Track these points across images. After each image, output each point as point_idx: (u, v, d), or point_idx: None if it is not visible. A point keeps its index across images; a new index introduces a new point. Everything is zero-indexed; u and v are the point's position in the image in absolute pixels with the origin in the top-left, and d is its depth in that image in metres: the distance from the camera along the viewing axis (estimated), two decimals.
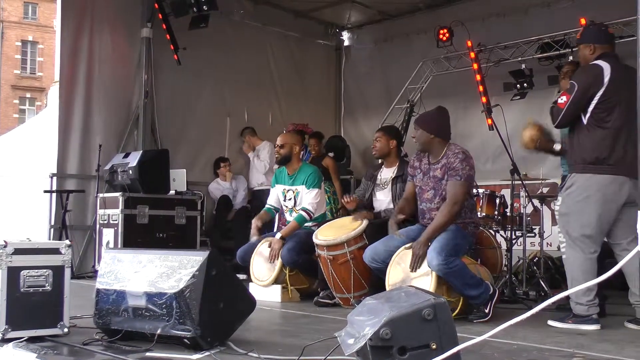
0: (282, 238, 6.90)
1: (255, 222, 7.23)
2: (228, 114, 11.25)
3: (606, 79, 5.15)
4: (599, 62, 5.27)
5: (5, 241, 4.26)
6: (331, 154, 10.41)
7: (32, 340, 4.22)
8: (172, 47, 10.05)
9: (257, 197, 10.47)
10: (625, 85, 5.17)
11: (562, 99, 5.28)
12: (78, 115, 9.60)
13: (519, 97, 9.93)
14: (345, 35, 13.52)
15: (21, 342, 4.15)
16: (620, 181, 5.16)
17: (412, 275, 5.37)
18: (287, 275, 6.83)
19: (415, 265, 5.36)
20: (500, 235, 7.45)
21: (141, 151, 9.22)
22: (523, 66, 9.79)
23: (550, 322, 5.25)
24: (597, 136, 5.19)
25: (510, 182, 7.25)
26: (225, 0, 10.60)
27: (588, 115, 5.21)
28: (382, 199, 6.81)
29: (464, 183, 5.56)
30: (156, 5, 9.95)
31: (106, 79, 9.91)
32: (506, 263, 7.15)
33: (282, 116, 11.86)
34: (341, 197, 8.04)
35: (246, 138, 11.19)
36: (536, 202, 7.74)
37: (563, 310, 5.44)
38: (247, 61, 11.72)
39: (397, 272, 5.49)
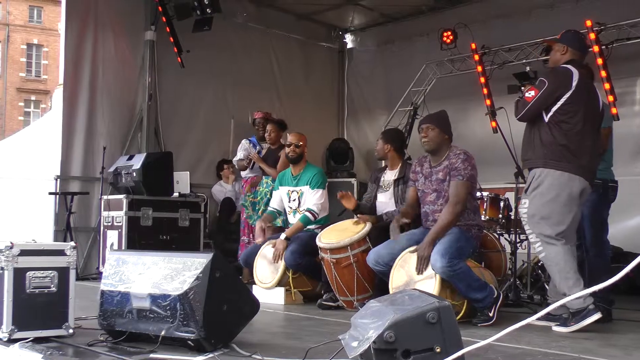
0: (286, 238, 6.92)
1: (259, 224, 7.22)
2: (232, 117, 11.26)
3: (574, 83, 5.25)
4: (569, 66, 5.37)
5: (11, 242, 4.27)
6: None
7: (37, 340, 4.23)
8: (175, 50, 10.07)
9: None
10: (588, 97, 5.34)
11: (530, 93, 5.36)
12: (82, 118, 9.62)
13: None
14: (348, 38, 13.53)
15: (27, 342, 4.16)
16: (582, 181, 5.26)
17: (415, 278, 5.38)
18: (291, 277, 6.83)
19: (421, 267, 5.37)
20: (505, 238, 7.44)
21: (145, 153, 9.23)
22: (527, 68, 9.70)
23: (555, 329, 5.20)
24: (560, 136, 5.26)
25: (514, 185, 7.24)
26: (228, 3, 10.63)
27: (550, 114, 5.29)
28: (384, 201, 6.82)
29: (466, 183, 5.58)
30: (160, 9, 9.96)
31: (110, 81, 9.94)
32: (510, 266, 7.13)
33: (285, 118, 11.81)
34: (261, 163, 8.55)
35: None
36: None
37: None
38: (251, 64, 11.74)
39: (401, 275, 5.49)
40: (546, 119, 5.29)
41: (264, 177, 8.56)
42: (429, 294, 3.50)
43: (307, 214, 7.01)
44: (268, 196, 8.26)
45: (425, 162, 5.89)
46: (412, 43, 12.06)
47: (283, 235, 6.97)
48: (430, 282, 5.27)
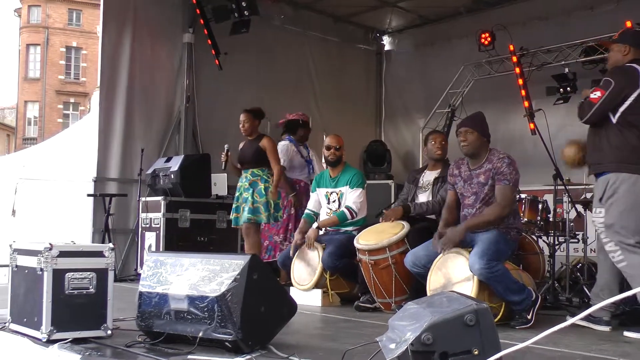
0: (318, 227, 7.00)
1: (297, 237, 7.17)
2: (268, 119, 11.26)
3: None
4: (634, 65, 5.18)
5: (50, 244, 4.32)
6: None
7: (76, 341, 4.28)
8: (213, 53, 10.11)
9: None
10: None
11: (596, 94, 5.14)
12: (119, 120, 9.69)
13: (562, 101, 9.82)
14: (386, 40, 13.51)
15: (66, 343, 4.21)
16: None
17: (453, 280, 5.35)
18: (328, 279, 6.83)
19: (443, 248, 5.42)
20: (543, 240, 7.37)
21: (183, 155, 9.31)
22: (566, 70, 9.68)
23: (627, 334, 5.00)
24: (632, 136, 5.09)
25: (552, 187, 7.17)
26: (265, 6, 10.67)
27: (618, 115, 5.10)
28: (423, 201, 6.80)
29: (513, 187, 5.56)
30: (198, 11, 10.02)
31: (147, 84, 10.00)
32: (549, 269, 7.07)
33: (322, 121, 11.85)
34: (276, 185, 7.78)
35: None
36: (580, 207, 7.65)
37: (616, 317, 5.34)
38: (287, 66, 11.77)
39: (438, 277, 5.47)
40: (614, 120, 5.12)
41: (242, 171, 8.01)
42: (467, 296, 3.49)
43: (346, 210, 7.00)
44: (247, 188, 7.79)
45: (463, 165, 5.84)
46: (450, 45, 11.99)
47: (315, 225, 7.00)
48: (468, 285, 5.24)
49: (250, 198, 7.69)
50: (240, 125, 8.05)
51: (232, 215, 7.94)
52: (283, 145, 8.93)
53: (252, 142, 7.98)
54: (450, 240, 5.41)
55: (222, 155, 8.03)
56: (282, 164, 8.68)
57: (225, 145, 8.07)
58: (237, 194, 7.91)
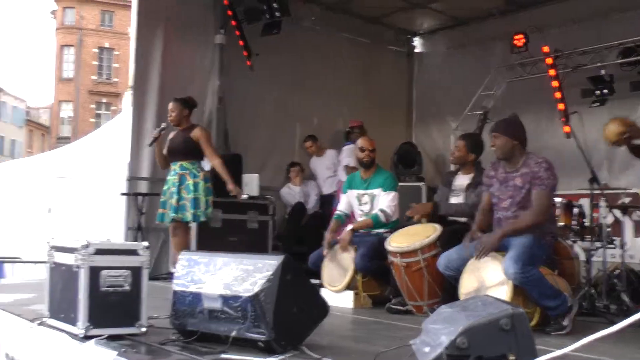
0: (352, 230, 6.98)
1: (327, 236, 7.16)
2: (298, 120, 11.27)
3: None
4: None
5: (87, 241, 4.36)
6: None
7: (111, 338, 4.30)
8: (245, 54, 10.13)
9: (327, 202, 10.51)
10: None
11: None
12: (151, 120, 9.68)
13: (598, 103, 9.68)
14: (417, 41, 13.46)
15: (102, 339, 4.23)
16: None
17: (487, 284, 5.30)
18: (360, 281, 6.82)
19: (480, 255, 5.35)
20: (579, 245, 7.28)
21: None
22: (603, 72, 9.54)
23: None
24: None
25: (589, 192, 7.08)
26: (296, 7, 10.68)
27: None
28: (453, 202, 6.77)
29: (550, 192, 5.49)
30: (229, 13, 10.04)
31: (179, 84, 9.97)
32: (584, 275, 6.97)
33: None
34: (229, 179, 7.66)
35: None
36: (617, 212, 7.54)
37: None
38: (318, 67, 11.75)
39: (471, 280, 5.42)
40: None
41: (171, 163, 7.79)
42: (503, 301, 3.46)
43: (380, 214, 7.00)
44: (175, 182, 7.61)
45: (499, 167, 5.78)
46: (483, 47, 11.91)
47: (350, 227, 7.02)
48: (502, 289, 5.18)
49: (175, 195, 7.52)
50: (168, 115, 7.86)
51: (159, 211, 7.79)
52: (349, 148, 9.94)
53: (182, 132, 7.78)
54: (486, 247, 5.35)
55: (155, 131, 7.87)
56: (347, 164, 9.70)
57: (163, 124, 7.95)
58: (165, 187, 7.72)
